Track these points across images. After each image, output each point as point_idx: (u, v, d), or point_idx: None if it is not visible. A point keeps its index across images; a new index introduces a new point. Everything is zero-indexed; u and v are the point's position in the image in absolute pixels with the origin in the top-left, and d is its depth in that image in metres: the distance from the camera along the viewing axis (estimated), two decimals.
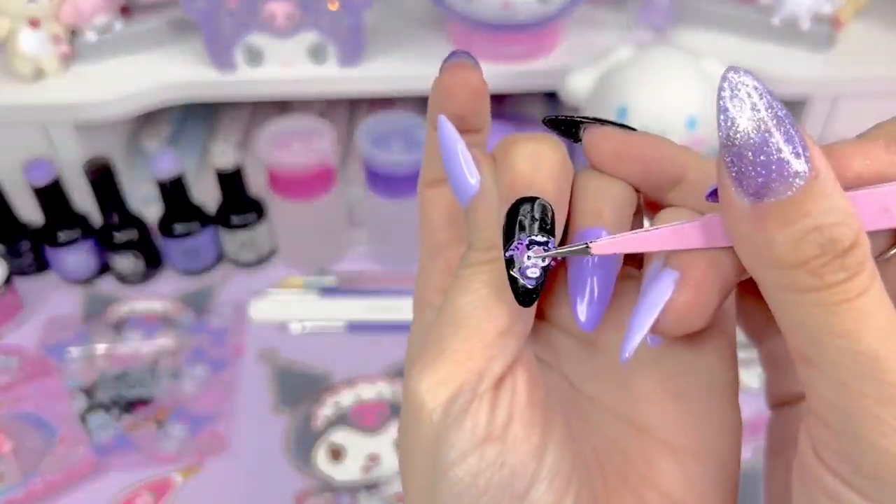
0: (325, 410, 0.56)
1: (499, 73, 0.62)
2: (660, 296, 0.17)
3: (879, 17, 0.67)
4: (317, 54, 0.61)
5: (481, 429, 0.17)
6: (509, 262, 0.17)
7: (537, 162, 0.18)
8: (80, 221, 0.62)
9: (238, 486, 0.51)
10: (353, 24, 0.59)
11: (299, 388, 0.57)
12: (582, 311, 0.18)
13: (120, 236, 0.62)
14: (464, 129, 0.19)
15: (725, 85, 0.16)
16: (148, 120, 0.74)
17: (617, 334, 0.19)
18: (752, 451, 0.52)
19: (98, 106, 0.60)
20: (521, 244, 0.17)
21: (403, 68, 0.63)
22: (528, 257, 0.17)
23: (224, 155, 0.60)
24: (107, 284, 0.65)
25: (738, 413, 0.21)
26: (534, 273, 0.17)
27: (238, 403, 0.56)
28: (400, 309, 0.62)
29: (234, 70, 0.61)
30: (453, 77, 0.19)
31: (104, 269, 0.65)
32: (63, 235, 0.61)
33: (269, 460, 0.52)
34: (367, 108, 0.78)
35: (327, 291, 0.64)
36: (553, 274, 0.19)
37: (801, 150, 0.15)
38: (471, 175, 0.18)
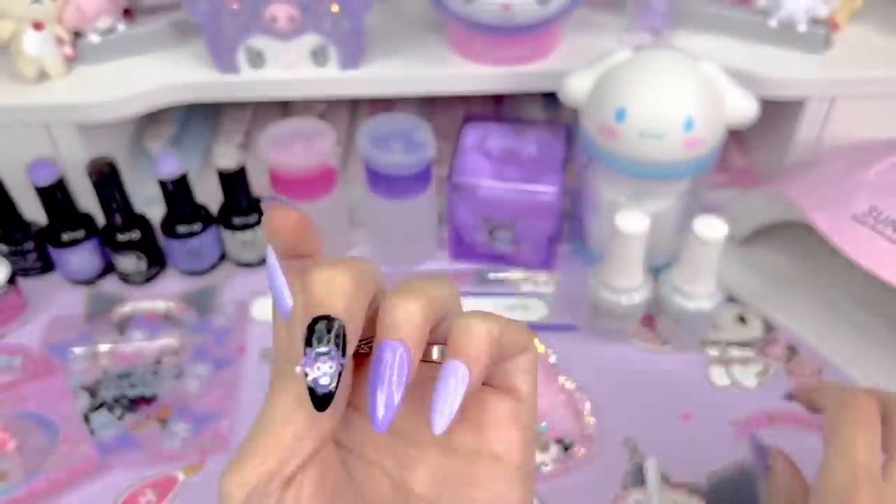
0: None
1: (498, 75, 0.63)
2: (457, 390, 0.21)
3: (875, 19, 0.67)
4: (318, 56, 0.62)
5: None
6: (305, 374, 0.20)
7: (329, 286, 0.20)
8: (83, 222, 0.63)
9: None
10: (354, 27, 0.60)
11: None
12: (374, 412, 0.21)
13: (123, 236, 0.62)
14: (295, 255, 0.23)
15: None
16: (151, 121, 0.75)
17: (412, 420, 0.23)
18: (748, 450, 0.53)
19: (101, 107, 0.61)
20: (310, 358, 0.20)
21: (404, 70, 0.63)
22: (318, 367, 0.19)
23: (226, 156, 0.60)
24: (110, 284, 0.65)
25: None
26: (324, 381, 0.19)
27: (241, 402, 0.56)
28: None
29: (236, 72, 0.62)
30: (273, 219, 0.23)
31: (108, 268, 0.65)
32: (67, 235, 0.62)
33: None
34: (367, 110, 0.79)
35: None
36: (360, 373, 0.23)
37: None
38: (288, 298, 0.21)
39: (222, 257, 0.67)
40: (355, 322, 0.21)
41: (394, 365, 0.20)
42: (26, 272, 0.65)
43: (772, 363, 0.58)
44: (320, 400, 0.19)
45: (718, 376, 0.57)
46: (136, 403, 0.56)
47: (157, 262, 0.65)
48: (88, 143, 0.63)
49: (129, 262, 0.63)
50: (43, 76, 0.61)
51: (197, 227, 0.63)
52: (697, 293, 0.54)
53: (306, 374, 0.20)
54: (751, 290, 0.63)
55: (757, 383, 0.57)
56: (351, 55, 0.62)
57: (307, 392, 0.20)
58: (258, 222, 0.64)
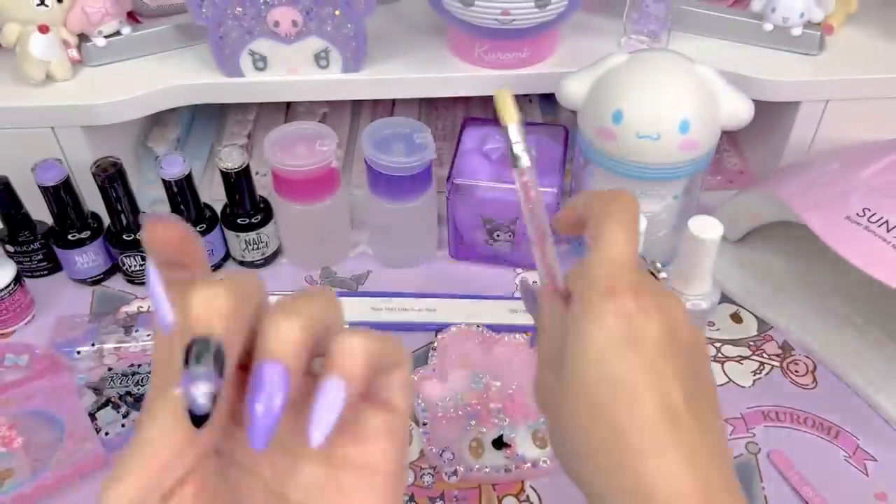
0: None
1: (497, 78, 0.63)
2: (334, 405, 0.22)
3: (869, 22, 0.68)
4: (321, 60, 0.62)
5: None
6: (183, 396, 0.20)
7: (207, 307, 0.20)
8: (89, 222, 0.63)
9: None
10: (356, 31, 0.61)
11: None
12: (251, 431, 0.21)
13: (129, 236, 0.62)
14: (178, 267, 0.23)
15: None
16: (156, 122, 0.75)
17: (291, 432, 0.23)
18: (743, 446, 0.54)
19: (107, 109, 0.61)
20: (187, 378, 0.20)
21: (405, 73, 0.64)
22: (196, 387, 0.20)
23: (230, 157, 0.61)
24: (116, 284, 0.66)
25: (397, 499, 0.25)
26: (201, 400, 0.20)
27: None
28: (401, 310, 0.63)
29: (239, 76, 0.63)
30: (152, 232, 0.22)
31: (113, 268, 0.66)
32: (73, 236, 0.62)
33: None
34: (369, 112, 0.79)
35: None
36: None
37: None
38: (168, 314, 0.21)
39: (226, 257, 0.67)
40: (234, 342, 0.21)
41: (271, 385, 0.21)
42: (33, 272, 0.65)
43: (766, 362, 0.59)
44: (198, 420, 0.20)
45: (714, 374, 0.58)
46: (141, 401, 0.56)
47: None
48: (94, 145, 0.64)
49: (134, 262, 0.64)
50: (49, 79, 0.62)
51: (201, 227, 0.63)
52: (693, 293, 0.55)
53: (185, 394, 0.20)
54: (745, 289, 0.63)
55: (752, 381, 0.58)
56: (353, 58, 0.62)
57: (185, 411, 0.20)
58: (262, 223, 0.65)
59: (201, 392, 0.20)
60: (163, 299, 0.21)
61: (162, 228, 0.22)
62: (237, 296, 0.21)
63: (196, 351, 0.20)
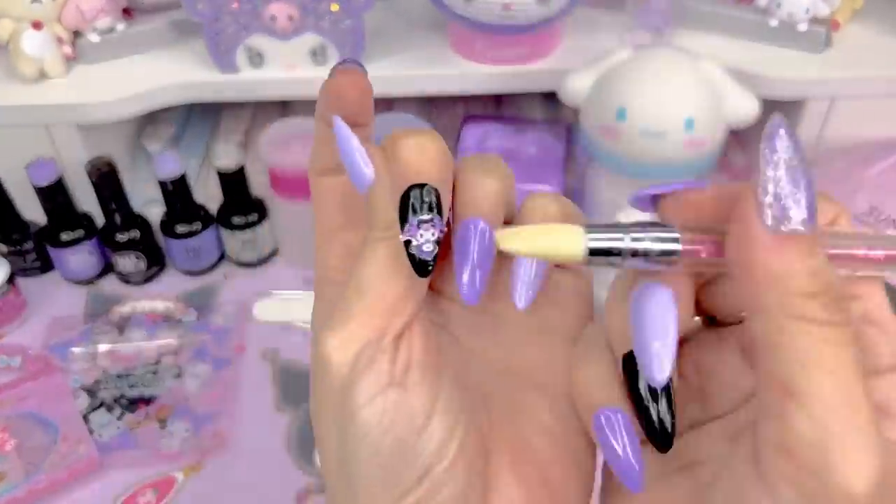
0: None
1: (498, 75, 0.63)
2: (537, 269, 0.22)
3: (876, 18, 0.67)
4: (318, 56, 0.62)
5: (384, 375, 0.20)
6: (407, 242, 0.19)
7: (421, 152, 0.20)
8: (83, 221, 0.63)
9: (240, 484, 0.51)
10: (354, 26, 0.60)
11: (301, 386, 0.57)
12: (464, 286, 0.20)
13: (123, 236, 0.62)
14: (353, 125, 0.21)
15: (775, 125, 0.17)
16: (150, 121, 0.75)
17: (490, 300, 0.23)
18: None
19: (101, 107, 0.61)
20: (413, 225, 0.19)
21: (404, 70, 0.63)
22: (421, 234, 0.19)
23: (226, 155, 0.60)
24: (109, 284, 0.65)
25: None
26: (427, 248, 0.19)
27: (240, 402, 0.56)
28: None
29: (235, 72, 0.62)
30: (344, 80, 0.21)
31: (107, 268, 0.65)
32: (66, 235, 0.62)
33: (270, 459, 0.53)
34: None
35: None
36: (443, 252, 0.22)
37: (811, 198, 0.17)
38: (367, 167, 0.21)
39: (221, 257, 0.67)
40: (448, 190, 0.21)
41: (476, 240, 0.20)
42: (26, 272, 0.65)
43: None
44: (422, 265, 0.19)
45: None
46: (135, 403, 0.56)
47: (156, 261, 0.65)
48: (88, 143, 0.63)
49: (128, 262, 0.63)
50: (42, 76, 0.61)
51: (196, 226, 0.63)
52: None
53: (409, 242, 0.19)
54: None
55: None
56: (351, 54, 0.62)
57: (405, 257, 0.19)
58: (258, 221, 0.64)
59: (427, 239, 0.19)
60: (360, 151, 0.21)
61: (352, 81, 0.21)
62: (444, 144, 0.21)
63: (417, 196, 0.20)
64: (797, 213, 0.16)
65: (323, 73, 0.65)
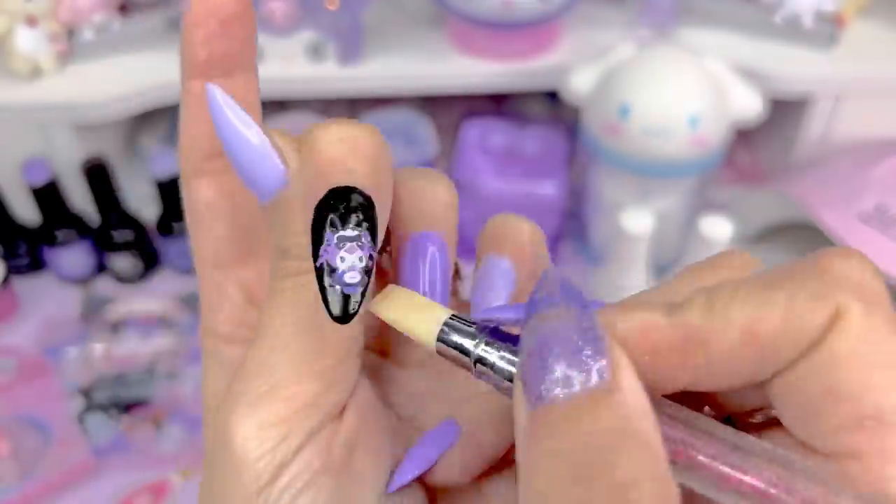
0: None
1: (499, 72, 0.62)
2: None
3: (883, 15, 0.66)
4: (316, 53, 0.61)
5: (316, 466, 0.15)
6: (321, 271, 0.14)
7: (351, 147, 0.15)
8: (77, 221, 0.62)
9: None
10: (353, 23, 0.59)
11: None
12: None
13: (117, 236, 0.61)
14: (234, 65, 0.15)
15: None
16: (146, 119, 0.74)
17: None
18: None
19: (95, 105, 0.60)
20: (332, 245, 0.14)
21: (403, 67, 0.62)
22: (342, 258, 0.14)
23: None
24: (104, 284, 0.65)
25: None
26: (352, 277, 0.14)
27: None
28: None
29: None
30: (201, 7, 0.15)
31: (102, 268, 0.65)
32: (60, 235, 0.61)
33: None
34: (366, 107, 0.78)
35: None
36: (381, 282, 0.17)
37: (597, 349, 0.13)
38: (272, 158, 0.15)
39: None
40: (384, 201, 0.15)
41: (430, 261, 0.16)
42: (19, 272, 0.64)
43: None
44: (342, 304, 0.14)
45: None
46: (130, 406, 0.55)
47: (151, 261, 0.64)
48: (82, 142, 0.62)
49: (123, 262, 0.63)
50: (36, 73, 0.61)
51: None
52: None
53: (325, 270, 0.14)
54: None
55: None
56: (349, 51, 0.61)
57: (319, 298, 0.14)
58: None
59: (351, 264, 0.14)
60: (260, 136, 0.14)
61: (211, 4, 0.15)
62: (384, 142, 0.15)
63: (338, 204, 0.14)
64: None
65: (321, 70, 0.65)
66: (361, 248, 0.14)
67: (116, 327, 0.61)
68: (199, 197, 0.16)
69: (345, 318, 0.14)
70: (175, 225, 0.62)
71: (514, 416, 0.13)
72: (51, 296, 0.63)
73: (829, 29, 0.62)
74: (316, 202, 0.14)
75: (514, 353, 0.15)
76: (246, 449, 0.15)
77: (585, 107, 0.58)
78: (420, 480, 0.17)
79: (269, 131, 0.15)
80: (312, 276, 0.14)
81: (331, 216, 0.14)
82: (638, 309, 0.14)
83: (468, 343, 0.15)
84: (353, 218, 0.14)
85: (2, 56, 0.60)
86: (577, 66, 0.58)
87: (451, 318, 0.15)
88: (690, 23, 0.65)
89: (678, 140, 0.52)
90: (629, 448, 0.12)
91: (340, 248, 0.14)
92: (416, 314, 0.15)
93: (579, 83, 0.57)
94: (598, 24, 0.66)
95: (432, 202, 0.16)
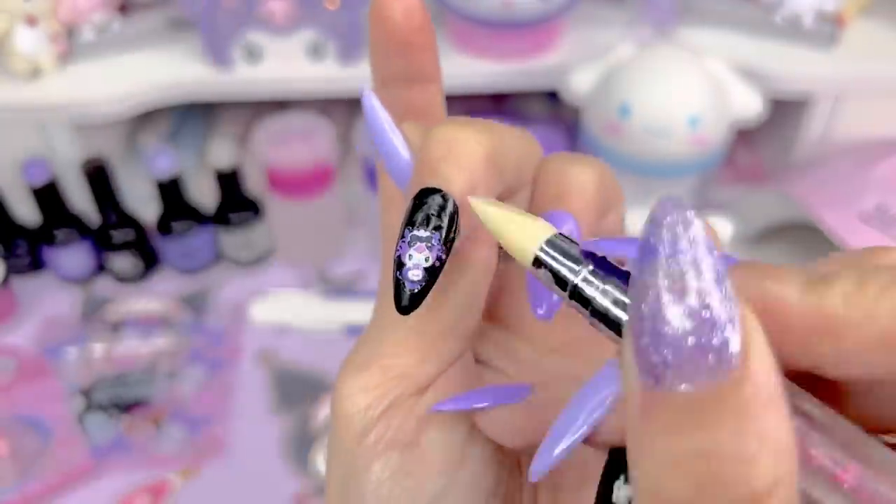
0: (324, 412, 0.55)
1: (499, 72, 0.62)
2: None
3: (884, 15, 0.66)
4: (316, 52, 0.61)
5: (391, 435, 0.16)
6: (395, 264, 0.15)
7: (449, 149, 0.15)
8: (76, 221, 0.62)
9: (236, 488, 0.51)
10: (353, 22, 0.59)
11: (298, 389, 0.56)
12: (537, 298, 0.16)
13: (117, 236, 0.61)
14: (407, 81, 0.17)
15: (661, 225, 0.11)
16: (146, 119, 0.74)
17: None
18: None
19: (95, 105, 0.60)
20: (404, 241, 0.15)
21: None
22: (410, 256, 0.15)
23: (222, 154, 0.59)
24: (104, 284, 0.64)
25: None
26: (415, 276, 0.15)
27: (236, 405, 0.55)
28: None
29: (232, 67, 0.61)
30: (386, 10, 0.17)
31: (101, 268, 0.65)
32: (60, 235, 0.61)
33: (267, 462, 0.52)
34: None
35: (327, 292, 0.64)
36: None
37: (730, 336, 0.11)
38: (404, 152, 0.16)
39: (218, 257, 0.66)
40: (480, 191, 0.16)
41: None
42: (19, 272, 0.64)
43: None
44: (401, 297, 0.15)
45: None
46: (130, 406, 0.55)
47: (151, 261, 0.64)
48: (82, 142, 0.62)
49: (123, 262, 0.63)
50: (36, 73, 0.60)
51: (192, 226, 0.62)
52: None
53: (398, 264, 0.15)
54: None
55: None
56: (350, 50, 0.61)
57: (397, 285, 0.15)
58: (254, 220, 0.63)
59: (416, 262, 0.15)
60: (391, 132, 0.16)
61: (401, 5, 0.16)
62: (496, 147, 0.16)
63: (424, 206, 0.15)
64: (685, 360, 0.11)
65: (321, 69, 0.65)
66: (430, 248, 0.15)
67: (116, 327, 0.61)
68: (387, 184, 0.19)
69: (403, 310, 0.15)
70: (175, 225, 0.61)
71: (623, 376, 0.12)
72: (50, 296, 0.63)
73: (829, 29, 0.62)
74: (411, 198, 0.15)
75: (621, 290, 0.13)
76: (345, 405, 0.17)
77: (585, 107, 0.58)
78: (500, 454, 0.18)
79: (402, 126, 0.17)
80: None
81: (413, 214, 0.15)
82: (772, 277, 0.12)
83: (569, 268, 0.14)
84: (431, 220, 0.15)
85: (1, 56, 0.60)
86: (577, 65, 0.58)
87: (555, 237, 0.14)
88: (690, 23, 0.65)
89: (678, 140, 0.52)
90: (765, 454, 0.10)
91: (411, 246, 0.15)
92: (518, 225, 0.15)
93: (579, 83, 0.57)
94: (598, 24, 0.66)
95: (568, 185, 0.17)
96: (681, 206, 0.11)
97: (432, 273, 0.15)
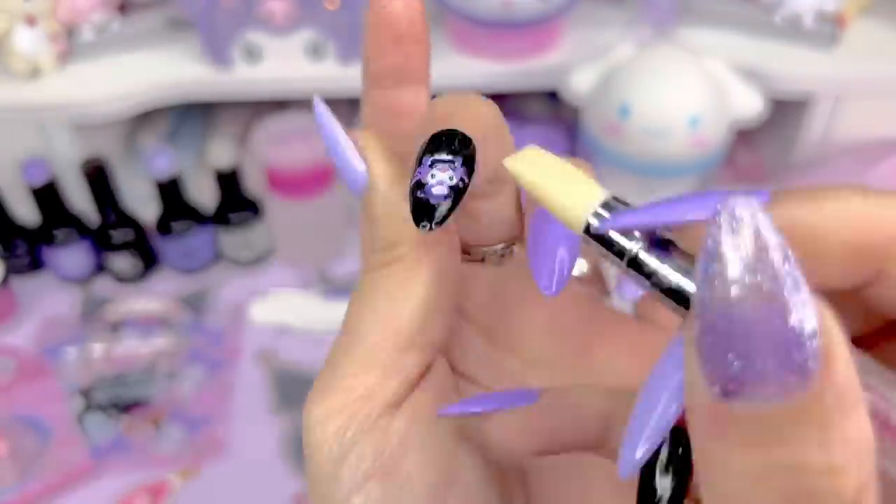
0: None
1: (499, 72, 0.62)
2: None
3: (883, 15, 0.66)
4: (315, 52, 0.61)
5: (367, 464, 0.15)
6: (415, 186, 0.14)
7: (460, 104, 0.15)
8: (76, 221, 0.62)
9: (236, 488, 0.51)
10: (353, 22, 0.59)
11: (297, 389, 0.56)
12: (541, 270, 0.15)
13: (116, 236, 0.61)
14: (404, 76, 0.17)
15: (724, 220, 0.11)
16: (145, 119, 0.74)
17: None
18: None
19: (95, 105, 0.60)
20: (426, 165, 0.15)
21: None
22: (433, 175, 0.14)
23: (222, 154, 0.59)
24: (103, 284, 0.64)
25: None
26: (440, 191, 0.14)
27: (236, 405, 0.55)
28: None
29: (231, 67, 0.61)
30: (385, 9, 0.17)
31: (101, 268, 0.65)
32: (59, 235, 0.61)
33: (266, 462, 0.52)
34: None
35: (327, 293, 0.64)
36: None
37: (810, 343, 0.09)
38: (357, 163, 0.16)
39: (217, 257, 0.66)
40: (493, 153, 0.15)
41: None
42: (18, 272, 0.64)
43: None
44: (424, 208, 0.14)
45: None
46: (129, 406, 0.55)
47: (150, 261, 0.64)
48: (82, 142, 0.62)
49: (122, 262, 0.62)
50: (36, 73, 0.60)
51: (191, 226, 0.62)
52: None
53: (418, 185, 0.14)
54: None
55: None
56: (349, 50, 0.61)
57: (411, 210, 0.14)
58: (254, 220, 0.63)
59: (440, 180, 0.14)
60: (344, 141, 0.16)
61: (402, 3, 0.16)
62: (500, 116, 0.16)
63: (438, 139, 0.15)
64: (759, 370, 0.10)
65: (321, 69, 0.65)
66: (453, 169, 0.14)
67: (116, 327, 0.61)
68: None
69: (425, 218, 0.14)
70: (174, 225, 0.61)
71: (686, 383, 0.11)
72: (50, 296, 0.63)
73: (829, 29, 0.62)
74: (424, 141, 0.15)
75: (684, 270, 0.12)
76: (315, 434, 0.15)
77: (585, 107, 0.58)
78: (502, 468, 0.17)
79: (354, 132, 0.17)
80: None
81: (432, 143, 0.15)
82: (813, 201, 0.12)
83: (626, 239, 0.13)
84: (450, 147, 0.15)
85: (1, 56, 0.60)
86: (577, 65, 0.58)
87: (612, 199, 0.13)
88: (690, 23, 0.65)
89: (678, 140, 0.52)
90: (851, 460, 0.10)
91: (432, 168, 0.14)
92: (565, 184, 0.13)
93: (579, 83, 0.57)
94: (598, 24, 0.66)
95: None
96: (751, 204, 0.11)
97: (456, 192, 0.14)
